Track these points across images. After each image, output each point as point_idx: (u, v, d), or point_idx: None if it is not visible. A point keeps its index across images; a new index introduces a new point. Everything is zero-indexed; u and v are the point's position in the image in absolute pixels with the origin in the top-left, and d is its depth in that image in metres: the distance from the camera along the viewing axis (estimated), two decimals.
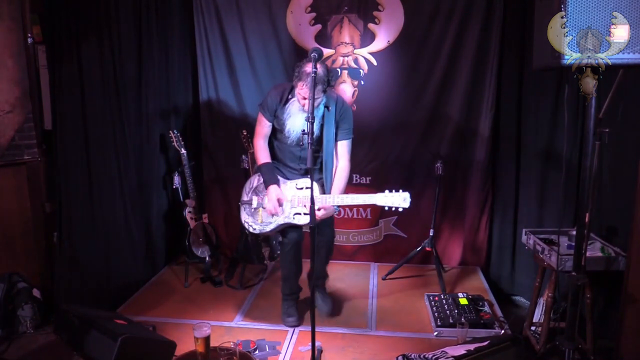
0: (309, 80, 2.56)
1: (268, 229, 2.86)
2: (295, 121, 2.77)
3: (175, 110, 3.96)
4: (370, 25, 3.68)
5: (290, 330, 2.97)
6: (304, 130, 2.21)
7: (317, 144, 2.80)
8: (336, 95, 2.88)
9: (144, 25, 3.51)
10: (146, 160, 3.68)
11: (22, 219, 3.21)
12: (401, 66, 3.68)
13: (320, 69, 2.57)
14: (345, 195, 2.69)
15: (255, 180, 2.97)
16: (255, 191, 2.93)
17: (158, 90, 3.73)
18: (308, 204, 2.66)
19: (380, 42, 3.68)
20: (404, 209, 2.61)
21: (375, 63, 3.71)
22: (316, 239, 3.03)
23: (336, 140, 2.86)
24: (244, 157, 3.59)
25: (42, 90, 3.24)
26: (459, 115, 3.66)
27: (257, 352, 2.71)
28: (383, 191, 3.91)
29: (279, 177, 2.89)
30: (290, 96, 2.79)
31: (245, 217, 2.94)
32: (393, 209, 2.61)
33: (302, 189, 2.82)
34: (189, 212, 3.65)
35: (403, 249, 3.85)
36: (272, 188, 2.81)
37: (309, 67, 2.58)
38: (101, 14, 3.16)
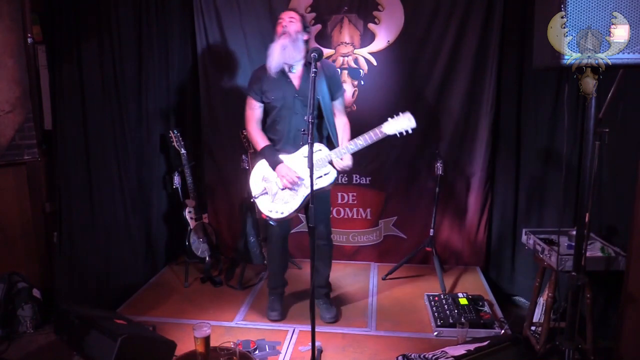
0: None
1: (296, 205, 2.80)
2: (279, 86, 2.81)
3: (175, 110, 3.96)
4: (370, 25, 3.68)
5: (290, 330, 2.97)
6: (303, 130, 2.21)
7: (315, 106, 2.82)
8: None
9: (144, 25, 3.51)
10: (146, 160, 3.68)
11: (22, 219, 3.21)
12: (401, 66, 3.67)
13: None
14: (356, 139, 2.74)
15: (258, 171, 2.94)
16: (265, 180, 2.90)
17: (158, 90, 3.73)
18: (322, 166, 2.73)
19: (380, 42, 3.67)
20: (412, 129, 2.64)
21: (375, 63, 3.71)
22: (314, 242, 3.01)
23: (333, 100, 2.90)
24: (244, 157, 3.60)
25: (42, 90, 3.24)
26: (459, 115, 3.66)
27: (257, 352, 2.72)
28: (384, 192, 3.92)
29: (282, 156, 2.87)
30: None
31: (266, 207, 2.86)
32: (404, 133, 2.65)
33: None
34: (189, 212, 3.66)
35: (403, 249, 3.85)
36: (280, 166, 2.81)
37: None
38: (101, 14, 3.16)
